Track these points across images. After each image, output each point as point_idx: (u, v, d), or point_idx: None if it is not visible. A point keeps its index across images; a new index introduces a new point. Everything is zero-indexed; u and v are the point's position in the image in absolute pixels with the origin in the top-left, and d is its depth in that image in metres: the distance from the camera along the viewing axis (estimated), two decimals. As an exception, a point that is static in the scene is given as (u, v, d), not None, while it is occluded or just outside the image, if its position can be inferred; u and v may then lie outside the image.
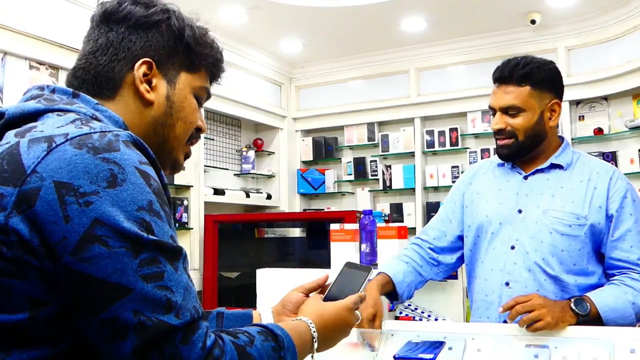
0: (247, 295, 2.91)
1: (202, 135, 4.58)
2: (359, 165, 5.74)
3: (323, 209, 5.87)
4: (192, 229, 4.59)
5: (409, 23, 4.85)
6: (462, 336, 1.56)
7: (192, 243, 4.63)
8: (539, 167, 1.85)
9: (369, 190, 5.68)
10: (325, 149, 5.95)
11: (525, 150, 1.82)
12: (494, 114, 1.84)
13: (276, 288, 2.34)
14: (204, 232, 4.67)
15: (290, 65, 5.88)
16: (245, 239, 5.22)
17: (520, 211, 1.82)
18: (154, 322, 0.79)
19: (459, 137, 5.35)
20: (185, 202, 4.54)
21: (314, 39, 5.26)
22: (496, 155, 1.94)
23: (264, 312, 1.27)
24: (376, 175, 5.65)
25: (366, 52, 5.55)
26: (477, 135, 5.33)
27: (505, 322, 1.68)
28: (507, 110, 1.79)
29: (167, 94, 1.03)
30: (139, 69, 1.01)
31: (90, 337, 0.82)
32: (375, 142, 5.70)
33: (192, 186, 4.61)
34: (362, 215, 2.97)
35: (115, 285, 0.79)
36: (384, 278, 1.83)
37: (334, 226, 2.53)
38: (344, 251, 2.46)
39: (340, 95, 5.83)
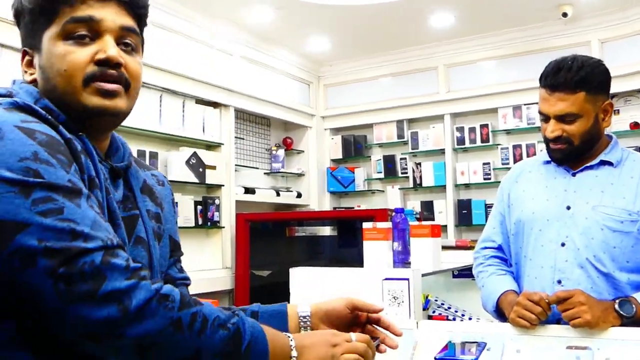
0: (279, 294, 2.91)
1: (233, 135, 4.60)
2: (389, 163, 5.71)
3: (353, 207, 5.86)
4: (223, 227, 4.62)
5: (437, 19, 4.81)
6: (501, 337, 1.54)
7: (223, 242, 4.66)
8: (587, 164, 1.82)
9: (399, 188, 5.65)
10: (354, 147, 5.94)
11: (580, 153, 1.80)
12: (545, 120, 1.81)
13: (309, 287, 2.35)
14: (235, 231, 4.70)
15: (318, 63, 5.88)
16: (276, 238, 5.23)
17: (568, 207, 1.80)
18: (61, 246, 0.83)
19: (490, 134, 5.29)
20: (217, 202, 4.57)
21: (342, 37, 5.25)
22: (542, 153, 1.93)
23: (300, 306, 1.24)
24: (406, 172, 5.62)
25: (394, 49, 5.51)
26: (508, 132, 5.26)
27: (558, 321, 1.65)
28: (562, 118, 1.76)
29: (40, 64, 1.03)
30: (22, 62, 1.07)
31: (4, 280, 0.83)
32: (405, 139, 5.67)
33: (223, 185, 4.64)
34: (393, 214, 2.95)
35: (11, 223, 0.82)
36: (515, 294, 1.81)
37: (366, 225, 2.52)
38: (376, 250, 2.45)
39: (368, 92, 5.81)
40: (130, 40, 1.04)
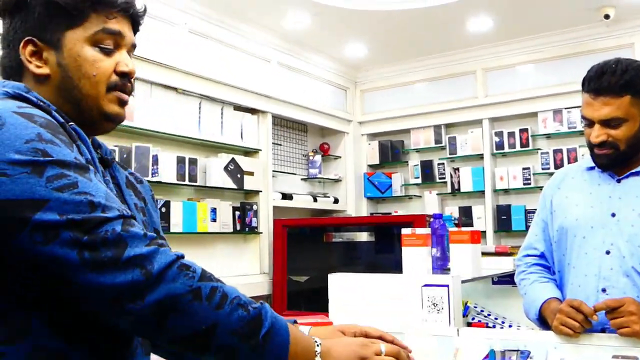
0: (316, 300, 2.92)
1: (270, 141, 4.64)
2: (426, 168, 5.67)
3: (390, 213, 5.83)
4: (261, 233, 4.65)
5: (475, 23, 4.77)
6: (544, 345, 1.52)
7: (261, 247, 4.69)
8: (633, 170, 1.79)
9: (437, 194, 5.60)
10: (391, 152, 5.92)
11: (625, 158, 1.77)
12: (589, 125, 1.78)
13: (348, 293, 2.35)
14: (273, 237, 4.72)
15: (354, 69, 5.88)
16: (313, 243, 5.24)
17: (613, 214, 1.77)
18: (82, 217, 0.86)
19: (530, 138, 5.21)
20: (255, 207, 4.60)
21: (379, 42, 5.25)
22: (584, 159, 1.90)
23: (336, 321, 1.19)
24: (444, 178, 5.58)
25: (431, 53, 5.48)
26: (548, 136, 5.18)
27: (603, 330, 1.62)
28: (607, 122, 1.73)
29: (57, 61, 1.04)
30: (24, 50, 1.05)
31: (28, 259, 0.86)
32: (443, 144, 5.63)
33: (260, 191, 4.68)
34: (432, 219, 2.93)
35: (29, 201, 0.85)
36: (558, 301, 1.79)
37: (405, 231, 2.51)
38: (415, 256, 2.44)
39: (405, 98, 5.79)
40: (131, 55, 1.13)
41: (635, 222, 1.72)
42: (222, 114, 4.47)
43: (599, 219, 1.78)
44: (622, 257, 1.71)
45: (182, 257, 0.92)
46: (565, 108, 5.02)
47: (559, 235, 1.88)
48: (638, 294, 1.67)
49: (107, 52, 1.07)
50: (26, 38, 1.04)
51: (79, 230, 0.85)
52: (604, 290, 1.73)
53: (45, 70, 1.04)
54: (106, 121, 1.09)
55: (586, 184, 1.88)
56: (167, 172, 3.94)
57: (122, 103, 1.09)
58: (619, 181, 1.81)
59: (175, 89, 4.09)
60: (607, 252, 1.74)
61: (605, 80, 1.71)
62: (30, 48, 1.05)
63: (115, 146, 3.59)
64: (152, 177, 3.80)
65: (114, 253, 0.86)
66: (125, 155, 3.63)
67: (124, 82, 1.08)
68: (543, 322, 1.79)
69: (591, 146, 1.79)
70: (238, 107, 4.64)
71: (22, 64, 1.05)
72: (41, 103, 0.99)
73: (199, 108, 4.29)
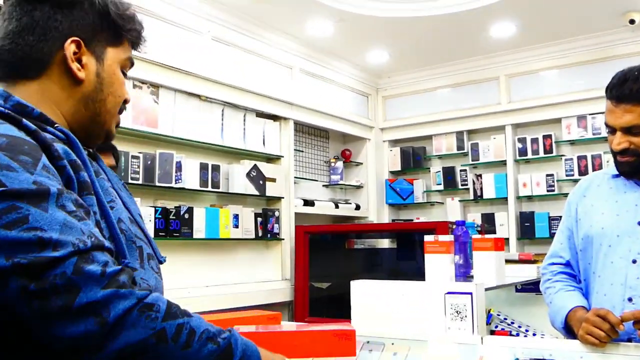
0: (338, 306, 2.92)
1: (292, 148, 4.66)
2: (449, 175, 5.65)
3: (412, 220, 5.81)
4: (283, 239, 4.67)
5: (498, 29, 4.75)
6: (570, 354, 1.50)
7: (283, 253, 4.70)
8: None
9: (459, 200, 5.57)
10: (413, 158, 5.90)
11: None
12: (612, 132, 1.77)
13: (370, 300, 2.35)
14: (294, 243, 4.73)
15: (376, 75, 5.89)
16: (335, 250, 5.24)
17: (639, 223, 1.75)
18: (29, 259, 0.79)
19: (553, 144, 5.16)
20: (277, 214, 4.62)
21: (400, 49, 5.24)
22: (609, 166, 1.88)
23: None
24: (466, 184, 5.55)
25: (454, 59, 5.47)
26: (572, 142, 5.12)
27: (630, 339, 1.60)
28: (629, 130, 1.72)
29: (97, 71, 1.05)
30: (69, 48, 1.02)
31: None
32: (465, 150, 5.60)
33: (282, 198, 4.69)
34: (454, 226, 2.92)
35: None
36: (584, 310, 1.77)
37: (428, 238, 2.50)
38: (438, 263, 2.43)
39: (427, 104, 5.77)
40: None
41: None
42: (244, 120, 4.50)
43: (625, 227, 1.76)
44: None
45: (146, 295, 0.85)
46: (590, 114, 4.96)
47: (585, 244, 1.86)
48: None
49: (125, 78, 1.12)
50: (74, 37, 1.02)
51: (26, 276, 0.78)
52: (630, 299, 1.71)
53: (83, 74, 1.04)
54: (105, 138, 1.12)
55: (612, 192, 1.85)
56: (191, 179, 3.97)
57: (117, 125, 1.14)
58: None
59: (198, 96, 4.13)
60: (634, 261, 1.72)
61: (627, 87, 1.69)
62: (74, 48, 1.02)
63: (140, 153, 3.64)
64: (176, 183, 3.83)
65: (65, 301, 0.79)
66: (149, 162, 3.67)
67: (124, 108, 1.14)
68: (569, 331, 1.77)
69: (614, 153, 1.78)
70: (260, 114, 4.66)
71: (53, 59, 1.02)
72: (10, 112, 0.94)
73: (222, 115, 4.32)
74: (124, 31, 1.09)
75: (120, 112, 1.13)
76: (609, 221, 1.80)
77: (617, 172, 1.85)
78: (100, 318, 0.80)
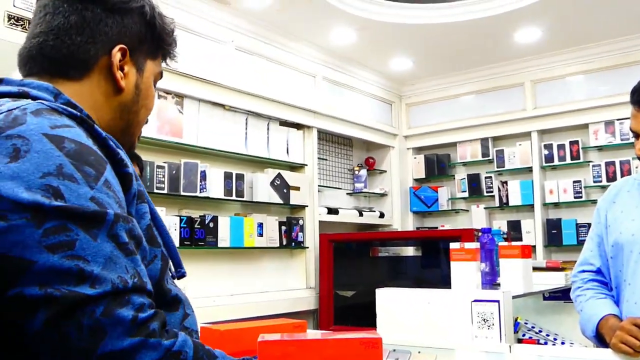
0: (363, 315, 2.91)
1: (316, 156, 4.66)
2: (473, 182, 5.60)
3: (436, 227, 5.77)
4: (307, 248, 4.66)
5: (523, 34, 4.71)
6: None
7: (307, 262, 4.70)
8: None
9: (485, 208, 5.52)
10: (437, 166, 5.87)
11: None
12: (636, 137, 1.77)
13: (396, 308, 2.33)
14: (319, 251, 4.73)
15: (400, 83, 5.87)
16: (359, 258, 5.22)
17: None
18: (62, 292, 0.73)
19: (580, 150, 5.10)
20: (301, 222, 4.62)
21: (424, 56, 5.23)
22: (639, 172, 1.84)
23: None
24: (491, 191, 5.50)
25: (478, 66, 5.43)
26: (600, 148, 5.05)
27: None
28: None
29: (136, 82, 1.04)
30: (116, 55, 1.00)
31: (7, 321, 0.76)
32: (490, 157, 5.55)
33: (306, 206, 4.69)
34: (480, 234, 2.88)
35: (17, 260, 0.74)
36: (616, 318, 1.76)
37: (453, 245, 2.48)
38: (464, 271, 2.40)
39: (452, 111, 5.74)
40: None
41: None
42: (268, 129, 4.52)
43: None
44: None
45: (174, 343, 0.80)
46: (618, 119, 4.89)
47: (615, 251, 1.83)
48: None
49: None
50: (121, 45, 1.01)
51: (54, 309, 0.73)
52: None
53: (124, 83, 1.02)
54: (128, 149, 1.06)
55: None
56: (215, 188, 4.00)
57: (139, 138, 1.13)
58: None
59: (222, 105, 4.16)
60: None
61: None
62: (120, 56, 1.01)
63: (165, 163, 3.67)
64: (201, 192, 3.86)
65: (88, 344, 0.73)
66: (174, 172, 3.70)
67: (146, 120, 1.13)
68: (600, 339, 1.73)
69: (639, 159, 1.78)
70: (284, 123, 4.68)
71: (96, 63, 0.99)
72: (77, 114, 0.90)
73: (246, 124, 4.35)
74: (163, 45, 1.09)
75: (145, 123, 1.13)
76: (638, 227, 1.77)
77: None
78: None
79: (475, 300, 1.98)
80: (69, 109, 0.89)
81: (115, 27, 1.00)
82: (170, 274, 1.01)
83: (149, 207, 0.97)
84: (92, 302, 0.74)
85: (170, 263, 1.00)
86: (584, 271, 1.96)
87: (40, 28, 0.99)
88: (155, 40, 1.07)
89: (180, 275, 1.04)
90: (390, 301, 2.31)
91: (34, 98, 0.90)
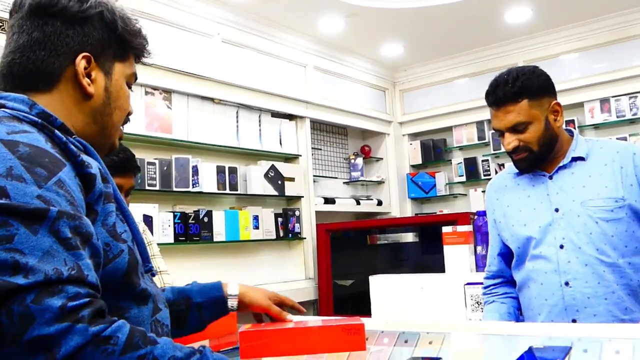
0: (362, 303, 2.89)
1: (310, 147, 4.62)
2: (470, 166, 5.56)
3: (435, 213, 5.74)
4: (304, 238, 4.63)
5: (513, 14, 4.65)
6: (597, 339, 1.44)
7: (305, 253, 4.67)
8: (560, 164, 1.85)
9: (482, 191, 5.48)
10: (434, 151, 5.83)
11: (542, 157, 1.84)
12: (501, 135, 1.87)
13: (390, 294, 2.30)
14: (316, 242, 4.70)
15: (392, 69, 5.82)
16: (357, 247, 5.20)
17: (557, 210, 1.81)
18: None
19: (577, 129, 5.05)
20: (297, 213, 4.59)
21: (415, 41, 5.18)
22: (510, 166, 1.96)
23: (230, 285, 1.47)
24: (489, 174, 5.45)
25: (470, 48, 5.38)
26: (596, 126, 5.00)
27: (574, 320, 1.72)
28: (514, 128, 1.82)
29: (105, 86, 1.07)
30: (80, 64, 1.03)
31: None
32: (486, 140, 5.51)
33: (302, 197, 4.66)
34: (476, 217, 2.85)
35: None
36: None
37: (446, 229, 2.45)
38: (457, 254, 2.37)
39: (446, 95, 5.69)
40: None
41: (581, 212, 1.77)
42: (260, 121, 4.48)
43: (545, 217, 1.82)
44: (578, 247, 1.76)
45: (104, 328, 0.81)
46: (613, 96, 4.84)
47: (513, 243, 1.91)
48: (599, 280, 1.73)
49: (130, 91, 1.15)
50: (84, 53, 1.04)
51: None
52: (566, 283, 1.77)
53: (93, 89, 1.05)
54: (108, 150, 1.13)
55: (521, 188, 1.92)
56: (208, 182, 3.96)
57: (121, 139, 1.16)
58: (551, 177, 1.86)
59: (212, 99, 4.12)
60: (561, 247, 1.78)
61: (500, 91, 1.82)
62: (84, 64, 1.04)
63: (155, 159, 3.63)
64: (193, 187, 3.82)
65: (16, 330, 0.76)
66: (165, 168, 3.67)
67: (127, 120, 1.16)
68: None
69: (509, 154, 1.87)
70: (276, 114, 4.64)
71: (62, 74, 1.03)
72: (43, 122, 0.95)
73: (237, 117, 4.31)
74: (130, 46, 1.12)
75: (124, 123, 1.16)
76: (528, 215, 1.87)
77: (518, 170, 1.93)
78: (50, 354, 0.77)
79: (467, 284, 1.95)
80: (31, 116, 0.94)
81: (77, 37, 1.04)
82: (146, 270, 1.07)
83: (120, 207, 1.02)
84: (23, 290, 0.78)
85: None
86: (490, 277, 2.06)
87: (9, 48, 1.04)
88: (120, 43, 1.10)
89: (148, 269, 1.07)
90: (384, 287, 2.29)
91: (11, 109, 0.96)
